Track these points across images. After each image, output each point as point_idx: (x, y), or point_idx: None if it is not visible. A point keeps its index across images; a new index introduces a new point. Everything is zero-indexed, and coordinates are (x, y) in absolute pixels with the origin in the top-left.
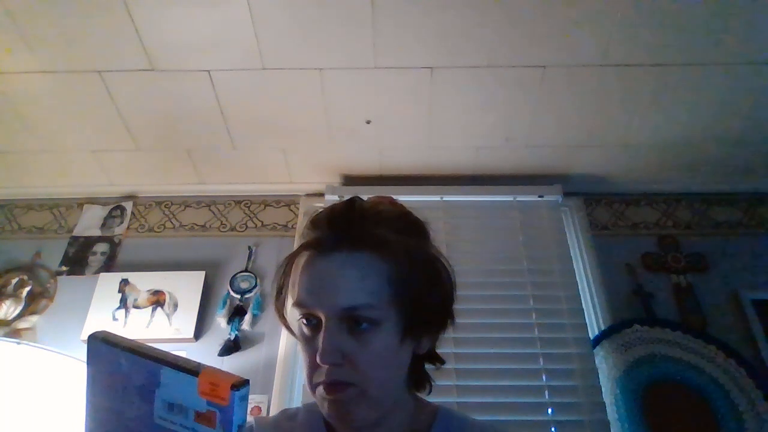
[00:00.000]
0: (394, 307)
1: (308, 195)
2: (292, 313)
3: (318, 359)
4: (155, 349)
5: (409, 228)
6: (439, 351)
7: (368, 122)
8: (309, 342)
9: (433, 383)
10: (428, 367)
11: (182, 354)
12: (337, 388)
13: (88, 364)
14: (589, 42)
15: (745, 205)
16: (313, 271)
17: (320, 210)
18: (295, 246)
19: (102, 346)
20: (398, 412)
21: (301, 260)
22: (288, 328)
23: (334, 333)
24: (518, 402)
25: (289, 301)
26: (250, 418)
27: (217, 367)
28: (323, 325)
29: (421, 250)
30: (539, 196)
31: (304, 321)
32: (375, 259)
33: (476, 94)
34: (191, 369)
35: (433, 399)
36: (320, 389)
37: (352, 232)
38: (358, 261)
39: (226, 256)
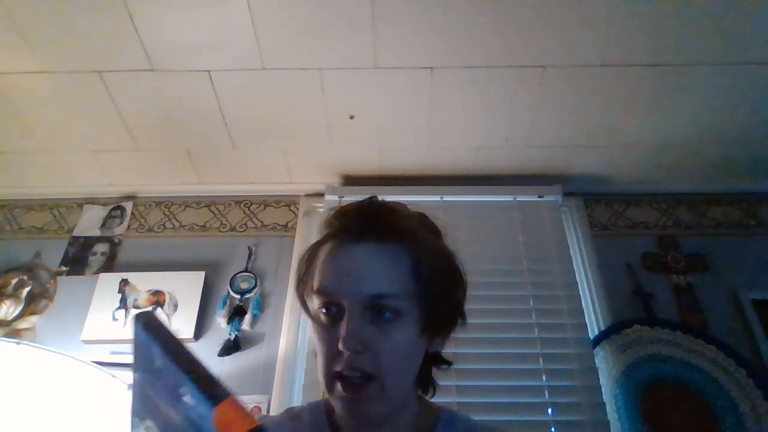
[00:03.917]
0: (416, 301)
1: (308, 195)
2: (311, 302)
3: (340, 345)
4: (190, 354)
5: (430, 227)
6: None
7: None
8: (328, 330)
9: (436, 386)
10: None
11: None
12: (358, 389)
13: (133, 341)
14: (589, 42)
15: (745, 205)
16: (340, 259)
17: (343, 204)
18: (296, 244)
19: (140, 332)
20: (405, 412)
21: (326, 249)
22: (309, 314)
23: (357, 320)
24: (518, 402)
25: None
26: None
27: (217, 368)
28: (347, 312)
29: (443, 247)
30: (539, 196)
31: (324, 309)
32: (401, 252)
33: (476, 94)
34: (212, 394)
35: (432, 398)
36: (338, 388)
37: (380, 224)
38: (385, 251)
39: (226, 256)
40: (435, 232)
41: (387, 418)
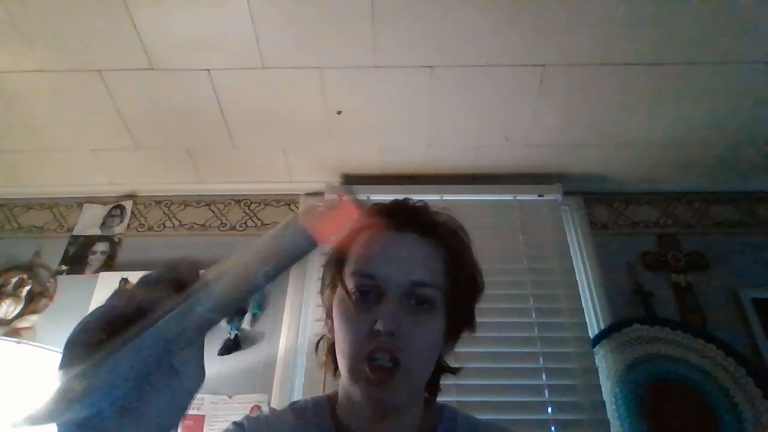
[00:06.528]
0: (447, 297)
1: (308, 194)
2: (337, 286)
3: (379, 325)
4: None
5: (461, 231)
6: None
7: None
8: (361, 312)
9: (439, 391)
10: None
11: None
12: (385, 373)
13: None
14: (589, 41)
15: (745, 205)
16: (384, 245)
17: (373, 204)
18: None
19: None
20: (414, 408)
21: (366, 235)
22: (347, 292)
23: (398, 304)
24: (518, 401)
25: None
26: (242, 419)
27: (216, 367)
28: (387, 295)
29: (473, 254)
30: (539, 195)
31: (359, 293)
32: (439, 248)
33: (476, 93)
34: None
35: None
36: (365, 369)
37: (421, 219)
38: (427, 245)
39: (226, 255)
40: (466, 235)
41: (401, 409)
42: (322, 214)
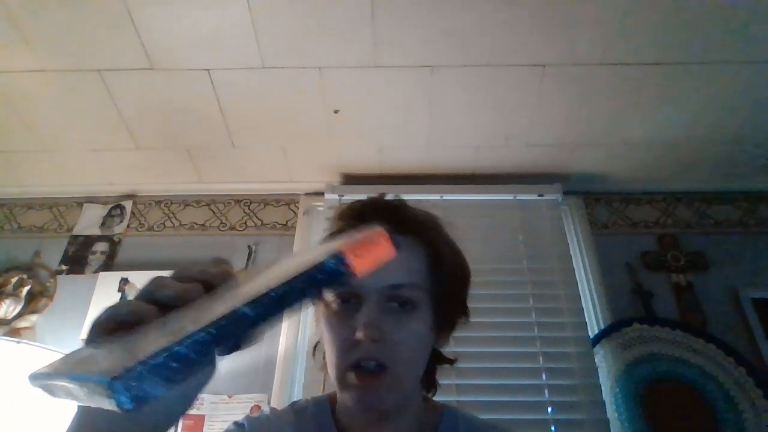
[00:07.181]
0: (430, 294)
1: (308, 194)
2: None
3: (359, 334)
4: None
5: (438, 223)
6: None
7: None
8: (343, 321)
9: (438, 385)
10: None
11: None
12: (372, 378)
13: None
14: (589, 41)
15: (745, 205)
16: None
17: (343, 202)
18: (296, 243)
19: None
20: (411, 408)
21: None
22: (326, 302)
23: (376, 309)
24: (518, 401)
25: None
26: (242, 419)
27: (216, 366)
28: (365, 301)
29: (455, 244)
30: (539, 195)
31: (339, 300)
32: (419, 245)
33: (476, 92)
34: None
35: (433, 398)
36: (352, 377)
37: (398, 217)
38: (404, 243)
39: (226, 255)
40: (443, 228)
41: (395, 410)
42: (362, 247)
